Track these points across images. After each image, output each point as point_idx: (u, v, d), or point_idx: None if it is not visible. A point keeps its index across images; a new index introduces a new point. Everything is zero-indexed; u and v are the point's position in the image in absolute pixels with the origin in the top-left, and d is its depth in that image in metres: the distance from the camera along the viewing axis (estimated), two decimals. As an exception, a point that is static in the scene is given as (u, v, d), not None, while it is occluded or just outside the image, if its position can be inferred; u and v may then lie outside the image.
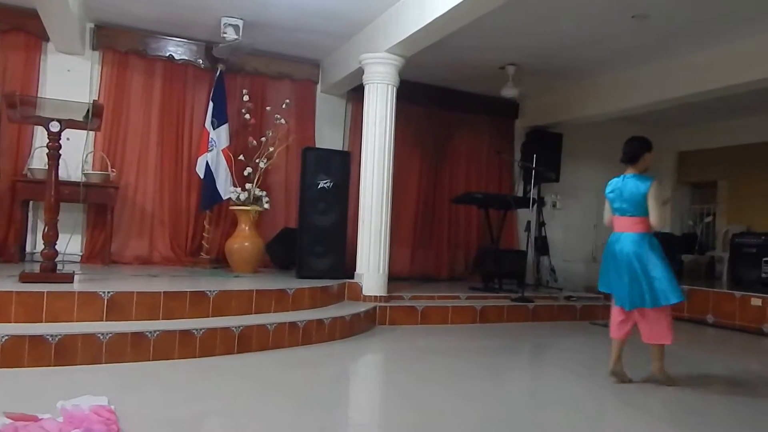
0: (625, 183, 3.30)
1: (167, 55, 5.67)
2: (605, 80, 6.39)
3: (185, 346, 3.32)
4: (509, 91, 6.18)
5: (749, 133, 7.62)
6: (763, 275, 6.43)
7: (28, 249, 5.20)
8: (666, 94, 5.84)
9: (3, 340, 2.90)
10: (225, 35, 5.14)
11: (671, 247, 7.53)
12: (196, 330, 3.38)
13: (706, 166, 8.47)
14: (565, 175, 7.56)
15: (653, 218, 3.20)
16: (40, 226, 4.77)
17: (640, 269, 3.16)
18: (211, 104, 5.57)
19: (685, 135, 8.56)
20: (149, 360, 3.19)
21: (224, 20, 5.11)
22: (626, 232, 3.25)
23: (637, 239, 3.20)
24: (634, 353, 3.49)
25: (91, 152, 5.38)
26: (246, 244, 5.21)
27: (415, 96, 6.51)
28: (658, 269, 3.15)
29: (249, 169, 5.42)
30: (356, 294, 4.93)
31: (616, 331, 3.33)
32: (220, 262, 5.62)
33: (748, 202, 7.95)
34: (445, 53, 5.54)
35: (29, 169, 5.08)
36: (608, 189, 3.41)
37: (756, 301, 5.59)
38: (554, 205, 7.80)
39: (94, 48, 5.49)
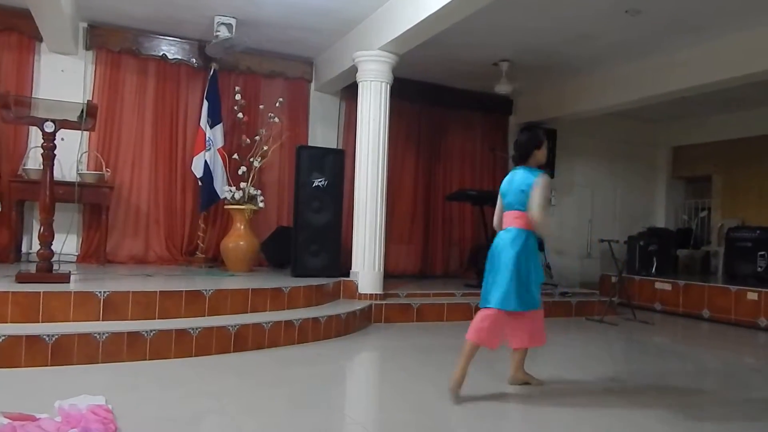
0: (514, 176, 3.02)
1: (160, 54, 5.67)
2: (599, 75, 6.42)
3: (181, 345, 3.34)
4: (503, 88, 6.20)
5: (743, 127, 7.65)
6: (759, 269, 6.43)
7: (23, 249, 5.21)
8: (660, 88, 5.86)
9: (0, 340, 2.91)
10: (218, 34, 5.14)
11: (666, 242, 7.59)
12: (192, 329, 3.40)
13: (701, 161, 8.51)
14: (559, 171, 7.60)
15: (533, 207, 2.84)
16: (36, 227, 4.78)
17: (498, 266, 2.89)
18: (205, 103, 5.57)
19: (679, 129, 8.59)
20: (145, 359, 3.21)
21: (217, 19, 5.12)
22: (506, 227, 2.98)
23: (512, 234, 2.91)
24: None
25: (85, 152, 5.38)
26: (241, 243, 5.22)
27: (409, 93, 6.53)
28: (505, 274, 2.84)
29: (243, 168, 5.43)
30: (352, 292, 4.95)
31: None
32: (216, 261, 5.64)
33: (742, 196, 7.99)
34: (438, 50, 5.56)
35: (24, 169, 5.08)
36: (502, 186, 3.11)
37: (752, 295, 5.63)
38: (549, 202, 7.82)
39: (87, 48, 5.49)
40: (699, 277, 7.01)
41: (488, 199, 6.23)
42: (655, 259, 7.16)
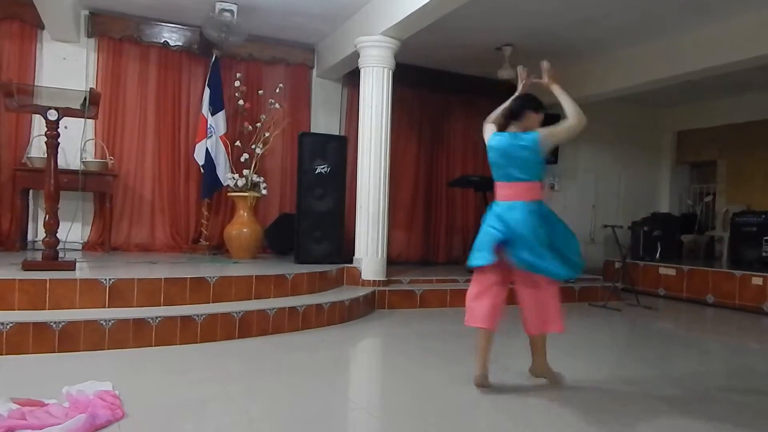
0: (502, 142, 2.75)
1: (162, 41, 5.65)
2: (603, 60, 6.35)
3: (186, 331, 3.38)
4: (506, 73, 6.13)
5: (749, 111, 7.57)
6: (764, 254, 6.42)
7: (29, 237, 5.25)
8: (664, 72, 5.80)
9: (7, 327, 2.96)
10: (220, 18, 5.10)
11: (671, 227, 7.56)
12: (197, 316, 3.44)
13: (705, 145, 8.43)
14: (563, 157, 7.56)
15: (567, 122, 2.70)
16: (41, 215, 4.81)
17: None
18: (207, 90, 5.56)
19: (683, 114, 8.50)
20: (151, 346, 3.25)
21: (218, 5, 5.08)
22: (517, 200, 2.83)
23: (537, 207, 2.81)
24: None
25: (89, 140, 5.39)
26: (244, 230, 5.25)
27: (412, 79, 6.50)
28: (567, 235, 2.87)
29: (246, 155, 5.43)
30: (355, 278, 4.98)
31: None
32: (219, 249, 5.68)
33: (747, 181, 7.94)
34: (440, 35, 5.52)
35: (28, 158, 5.10)
36: (492, 156, 2.87)
37: (756, 280, 5.63)
38: (552, 187, 7.81)
39: (89, 35, 5.47)
40: (703, 263, 6.99)
41: (491, 185, 6.19)
42: (659, 245, 7.14)
